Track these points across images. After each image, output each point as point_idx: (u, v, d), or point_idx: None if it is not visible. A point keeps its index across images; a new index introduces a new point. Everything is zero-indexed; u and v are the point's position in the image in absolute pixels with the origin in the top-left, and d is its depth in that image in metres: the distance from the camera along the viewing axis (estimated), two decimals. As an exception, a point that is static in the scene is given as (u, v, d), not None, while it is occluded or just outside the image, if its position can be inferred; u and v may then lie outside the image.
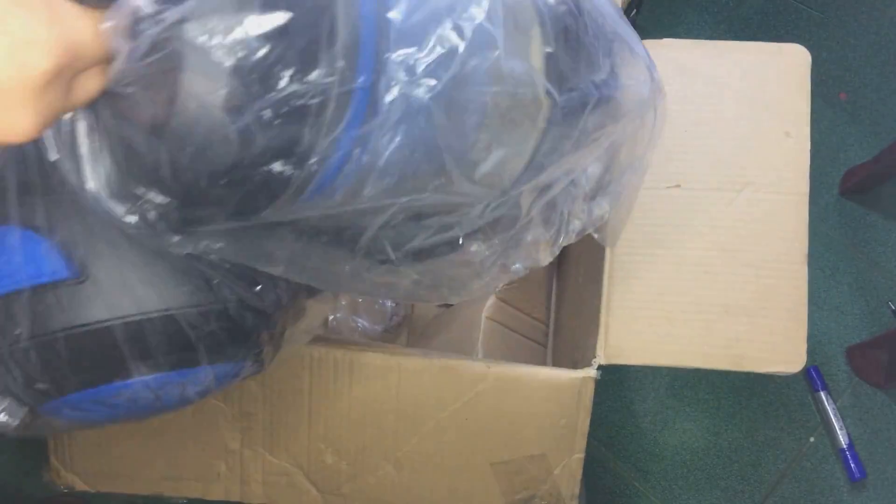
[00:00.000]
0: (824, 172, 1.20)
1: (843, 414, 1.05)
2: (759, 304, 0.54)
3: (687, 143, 0.56)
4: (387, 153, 0.30)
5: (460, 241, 0.39)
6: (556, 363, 0.76)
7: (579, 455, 0.56)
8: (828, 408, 1.05)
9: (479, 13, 0.30)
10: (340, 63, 0.27)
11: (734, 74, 0.57)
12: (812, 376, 1.07)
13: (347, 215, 0.33)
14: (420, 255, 0.38)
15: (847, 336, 1.11)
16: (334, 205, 0.31)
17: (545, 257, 0.44)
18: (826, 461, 1.04)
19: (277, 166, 0.28)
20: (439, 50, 0.29)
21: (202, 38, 0.25)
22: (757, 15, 1.28)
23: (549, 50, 0.34)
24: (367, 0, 0.28)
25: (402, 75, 0.29)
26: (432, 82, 0.29)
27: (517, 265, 0.43)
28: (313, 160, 0.28)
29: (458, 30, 0.30)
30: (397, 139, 0.30)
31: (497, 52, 0.31)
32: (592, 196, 0.44)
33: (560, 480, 0.56)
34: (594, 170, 0.43)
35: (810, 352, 1.08)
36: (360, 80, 0.28)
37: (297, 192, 0.29)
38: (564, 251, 0.87)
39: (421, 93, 0.29)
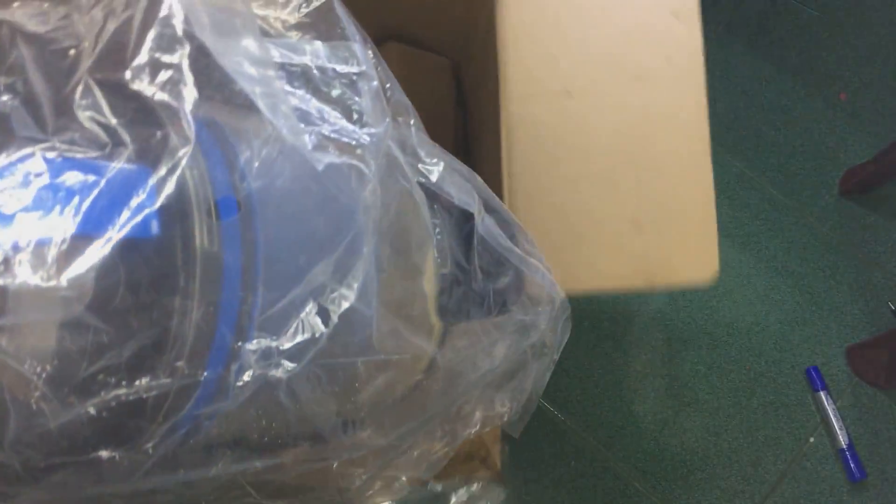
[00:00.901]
0: (824, 172, 1.20)
1: (843, 414, 1.05)
2: (666, 214, 0.49)
3: (570, 43, 0.50)
4: (237, 424, 0.28)
5: (331, 470, 0.36)
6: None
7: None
8: (828, 408, 1.05)
9: (349, 295, 0.28)
10: (181, 363, 0.25)
11: None
12: (812, 376, 1.07)
13: (201, 481, 0.31)
14: (284, 491, 0.35)
15: (847, 336, 1.11)
16: (180, 476, 0.29)
17: (436, 464, 0.41)
18: (826, 461, 1.04)
19: (104, 453, 0.26)
20: (300, 337, 0.27)
21: (11, 349, 0.23)
22: (757, 15, 1.28)
23: (444, 271, 0.33)
24: (229, 292, 0.26)
25: (257, 362, 0.27)
26: (290, 365, 0.27)
27: (402, 480, 0.39)
28: (148, 445, 0.26)
29: (324, 314, 0.28)
30: (251, 412, 0.28)
31: (369, 331, 0.29)
32: (497, 389, 0.42)
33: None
34: (497, 359, 0.41)
35: (810, 352, 1.09)
36: (206, 374, 0.26)
37: (130, 472, 0.27)
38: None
39: (278, 373, 0.27)
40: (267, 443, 0.31)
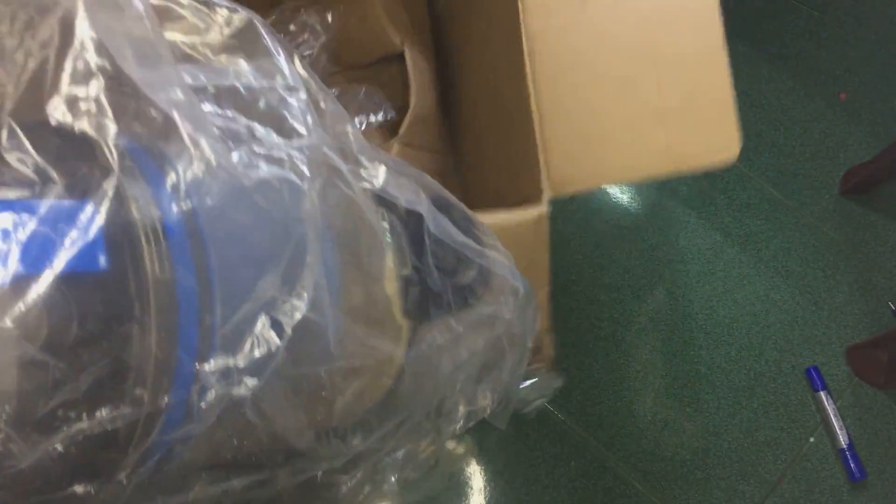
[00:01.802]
0: (824, 172, 1.20)
1: (843, 414, 1.05)
2: (687, 104, 0.53)
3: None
4: (209, 447, 0.28)
5: (316, 482, 0.36)
6: (473, 197, 0.72)
7: (545, 289, 0.53)
8: (828, 408, 1.05)
9: (300, 305, 0.28)
10: (142, 392, 0.25)
11: None
12: (812, 376, 1.07)
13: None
14: None
15: (847, 336, 1.11)
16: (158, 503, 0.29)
17: (424, 462, 0.41)
18: (826, 461, 1.04)
19: (79, 488, 0.25)
20: (257, 352, 0.27)
21: None
22: (757, 15, 1.29)
23: (405, 272, 0.33)
24: (186, 316, 0.26)
25: (218, 382, 0.27)
26: (252, 381, 0.27)
27: (392, 481, 0.40)
28: (122, 475, 0.26)
29: (277, 327, 0.28)
30: (221, 433, 0.28)
31: (325, 339, 0.29)
32: (477, 382, 0.43)
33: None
34: (477, 352, 0.42)
35: (810, 352, 1.08)
36: (170, 400, 0.26)
37: (112, 501, 0.27)
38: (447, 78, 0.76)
39: (241, 391, 0.27)
40: (242, 462, 0.31)
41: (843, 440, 1.03)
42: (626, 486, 1.00)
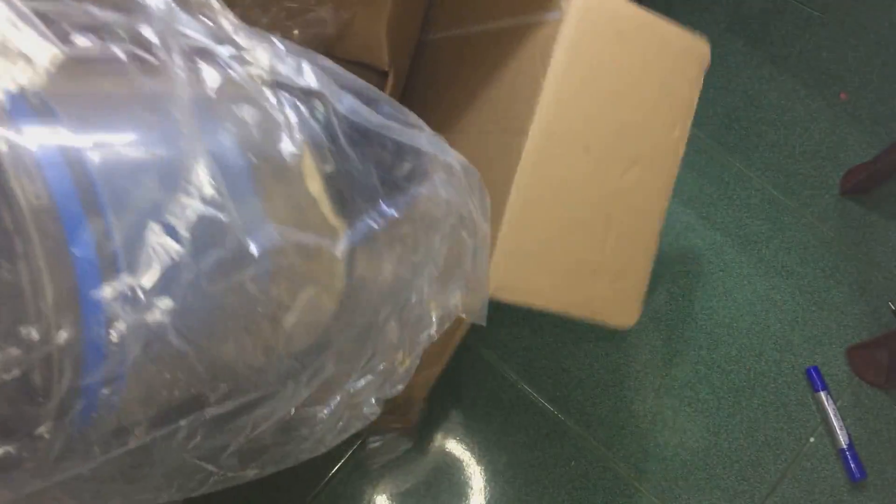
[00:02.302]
0: (824, 172, 1.20)
1: (843, 414, 1.05)
2: (619, 269, 0.60)
3: (602, 108, 0.58)
4: (142, 386, 0.25)
5: (290, 419, 0.32)
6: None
7: (438, 369, 0.59)
8: (828, 408, 1.05)
9: (191, 203, 0.24)
10: (38, 331, 0.22)
11: (648, 51, 0.60)
12: (812, 376, 1.07)
13: (128, 455, 0.27)
14: (246, 456, 0.32)
15: (847, 336, 1.11)
16: (98, 456, 0.26)
17: (405, 374, 0.38)
18: (826, 461, 1.04)
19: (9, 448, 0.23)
20: (157, 266, 0.23)
21: None
22: (757, 15, 1.28)
23: (329, 169, 0.30)
24: (77, 242, 0.23)
25: (125, 309, 0.23)
26: (166, 303, 0.24)
27: (371, 402, 0.36)
28: (41, 429, 0.23)
29: (172, 232, 0.24)
30: (148, 370, 0.25)
31: (237, 240, 0.25)
32: (444, 282, 0.40)
33: (416, 383, 0.56)
34: (433, 248, 0.39)
35: (810, 352, 1.08)
36: (71, 335, 0.23)
37: (37, 464, 0.24)
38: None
39: (157, 316, 0.24)
40: (188, 401, 0.27)
41: (843, 440, 1.03)
42: (626, 486, 1.00)
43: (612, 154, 0.59)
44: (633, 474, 1.00)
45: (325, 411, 0.35)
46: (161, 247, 0.24)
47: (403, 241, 0.35)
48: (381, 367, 0.37)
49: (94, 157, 0.24)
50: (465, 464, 0.96)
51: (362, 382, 0.36)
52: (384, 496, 0.92)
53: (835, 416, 1.04)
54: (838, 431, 1.03)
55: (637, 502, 1.00)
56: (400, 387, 0.38)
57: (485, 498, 0.95)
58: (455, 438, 0.96)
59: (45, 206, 0.23)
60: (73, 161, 0.24)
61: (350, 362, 0.35)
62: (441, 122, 0.71)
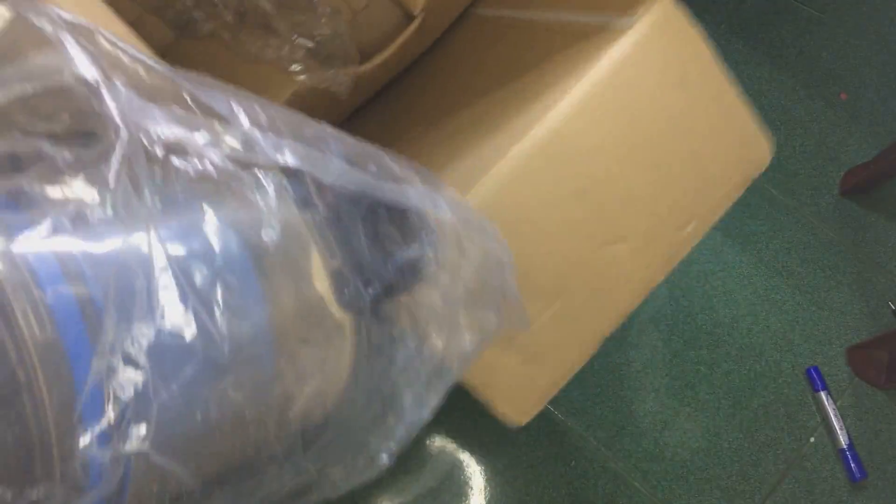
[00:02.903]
0: (824, 172, 1.20)
1: (843, 414, 1.05)
2: (541, 352, 0.49)
3: (619, 148, 0.47)
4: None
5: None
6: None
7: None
8: (828, 408, 1.05)
9: (145, 331, 0.23)
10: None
11: (703, 118, 0.49)
12: (812, 376, 1.07)
13: None
14: None
15: (847, 336, 1.11)
16: None
17: (429, 410, 0.35)
18: (826, 461, 1.04)
19: None
20: (123, 398, 0.22)
21: None
22: (757, 15, 1.28)
23: (335, 264, 0.29)
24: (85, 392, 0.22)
25: (101, 449, 0.22)
26: (140, 430, 0.23)
27: (384, 457, 0.34)
28: None
29: (131, 361, 0.23)
30: (143, 492, 0.24)
31: (218, 348, 0.24)
32: (471, 306, 0.37)
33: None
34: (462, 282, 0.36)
35: (810, 352, 1.08)
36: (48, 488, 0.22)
37: None
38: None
39: (135, 446, 0.23)
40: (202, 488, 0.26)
41: (843, 440, 1.03)
42: (626, 486, 1.00)
43: (605, 215, 0.46)
44: (633, 474, 1.00)
45: (338, 468, 0.34)
46: (121, 380, 0.22)
47: (410, 307, 0.33)
48: (395, 424, 0.35)
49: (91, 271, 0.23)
50: (465, 464, 0.96)
51: (374, 441, 0.35)
52: (384, 496, 0.92)
53: (835, 416, 1.04)
54: (838, 431, 1.03)
55: (637, 502, 1.00)
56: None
57: (485, 498, 0.95)
58: (455, 438, 0.96)
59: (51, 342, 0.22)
60: (72, 276, 0.23)
61: (364, 427, 0.34)
62: (453, 101, 0.63)
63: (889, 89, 1.24)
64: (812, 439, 1.05)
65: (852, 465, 1.02)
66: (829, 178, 1.19)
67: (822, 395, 1.05)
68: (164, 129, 0.25)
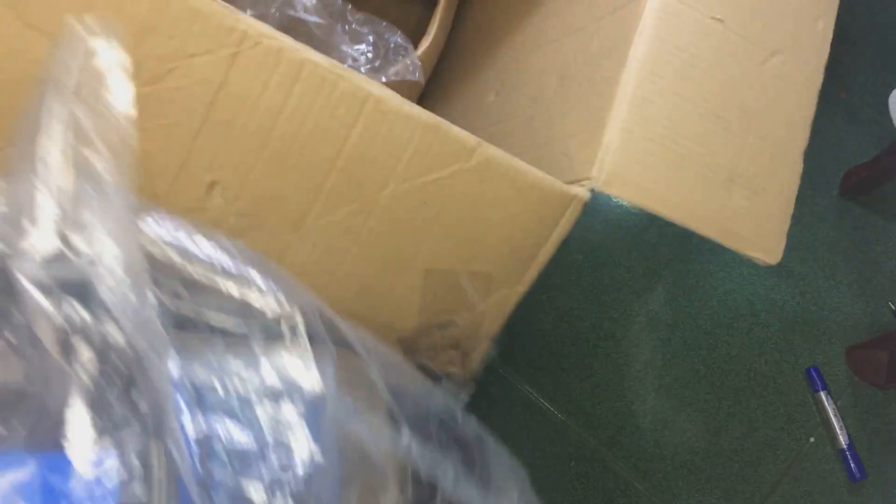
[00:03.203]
0: (824, 172, 1.19)
1: (843, 414, 1.05)
2: (760, 181, 0.49)
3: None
4: None
5: None
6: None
7: (522, 289, 0.50)
8: (828, 408, 1.05)
9: None
10: None
11: None
12: (812, 376, 1.07)
13: None
14: None
15: (847, 336, 1.11)
16: None
17: None
18: (826, 461, 1.04)
19: None
20: None
21: None
22: (757, 15, 1.29)
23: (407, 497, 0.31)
24: None
25: None
26: None
27: None
28: None
29: None
30: None
31: None
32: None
33: (488, 312, 0.50)
34: None
35: (810, 352, 1.08)
36: None
37: None
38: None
39: None
40: None
41: (843, 440, 1.03)
42: (626, 486, 1.00)
43: (750, 34, 0.49)
44: (633, 474, 1.00)
45: None
46: None
47: None
48: None
49: None
50: (465, 464, 0.96)
51: None
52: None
53: (835, 416, 1.04)
54: (838, 431, 1.03)
55: (637, 502, 1.00)
56: None
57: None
58: (455, 438, 0.96)
59: None
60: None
61: None
62: (522, 45, 0.64)
63: (889, 89, 1.24)
64: (812, 439, 1.05)
65: (852, 465, 1.02)
66: (829, 178, 1.19)
67: (822, 395, 1.05)
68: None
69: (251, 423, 0.27)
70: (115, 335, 0.24)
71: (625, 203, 0.47)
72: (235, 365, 0.28)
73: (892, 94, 1.07)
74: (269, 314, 0.30)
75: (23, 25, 0.36)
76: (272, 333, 0.30)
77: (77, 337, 0.24)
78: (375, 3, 0.74)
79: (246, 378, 0.28)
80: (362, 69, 0.64)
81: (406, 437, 0.33)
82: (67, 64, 0.27)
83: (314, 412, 0.29)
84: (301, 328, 0.30)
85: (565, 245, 1.17)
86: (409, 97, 0.69)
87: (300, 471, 0.27)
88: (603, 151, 0.45)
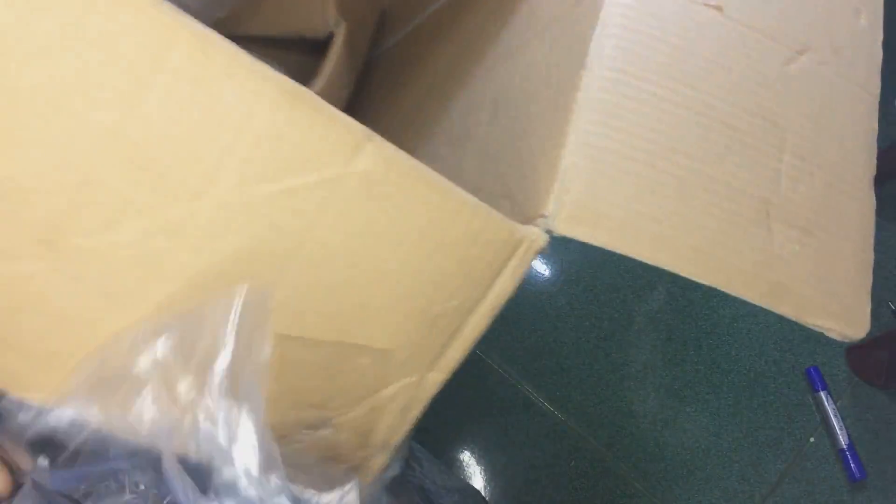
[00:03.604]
0: (824, 172, 1.20)
1: (843, 414, 1.05)
2: (812, 217, 0.35)
3: None
4: None
5: None
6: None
7: (439, 377, 0.33)
8: (828, 408, 1.05)
9: None
10: None
11: None
12: (812, 376, 1.07)
13: None
14: None
15: (847, 336, 1.11)
16: None
17: None
18: (826, 461, 1.04)
19: None
20: None
21: None
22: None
23: None
24: None
25: None
26: None
27: None
28: None
29: None
30: None
31: None
32: None
33: (386, 410, 0.32)
34: None
35: (810, 352, 1.09)
36: None
37: None
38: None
39: None
40: None
41: (843, 440, 1.03)
42: (626, 486, 1.00)
43: (763, 27, 0.36)
44: (633, 474, 1.00)
45: None
46: None
47: None
48: None
49: None
50: (465, 464, 0.96)
51: None
52: (384, 498, 0.92)
53: (835, 416, 1.04)
54: (838, 431, 1.03)
55: (637, 502, 1.00)
56: None
57: (485, 498, 0.95)
58: (455, 438, 0.96)
59: None
60: None
61: None
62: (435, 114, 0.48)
63: (889, 89, 1.24)
64: (812, 439, 1.05)
65: (852, 465, 1.02)
66: (829, 178, 1.19)
67: (822, 395, 1.05)
68: None
69: None
70: None
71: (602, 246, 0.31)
72: None
73: None
74: None
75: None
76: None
77: None
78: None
79: None
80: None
81: None
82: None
83: None
84: None
85: (565, 245, 1.17)
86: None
87: None
88: (562, 176, 0.30)
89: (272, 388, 0.28)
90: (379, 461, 0.34)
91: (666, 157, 0.32)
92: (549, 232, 0.31)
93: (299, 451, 0.31)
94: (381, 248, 0.29)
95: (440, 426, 0.96)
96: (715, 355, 1.08)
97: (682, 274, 0.33)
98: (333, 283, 0.29)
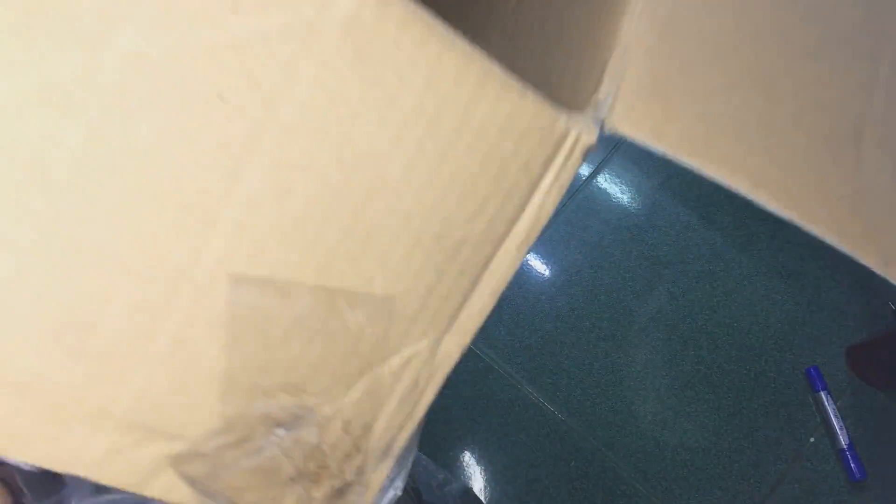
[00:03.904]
0: (824, 172, 1.20)
1: (843, 414, 1.05)
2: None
3: None
4: None
5: None
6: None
7: (462, 339, 0.23)
8: (828, 408, 1.05)
9: None
10: None
11: None
12: (812, 376, 1.07)
13: None
14: None
15: (847, 336, 1.11)
16: None
17: None
18: (826, 461, 1.04)
19: None
20: None
21: None
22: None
23: None
24: None
25: None
26: None
27: None
28: None
29: None
30: None
31: None
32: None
33: (390, 392, 0.23)
34: None
35: (810, 352, 1.08)
36: None
37: None
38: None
39: None
40: None
41: (843, 440, 1.03)
42: (626, 486, 1.00)
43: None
44: (633, 474, 1.00)
45: None
46: None
47: None
48: None
49: None
50: (465, 464, 0.96)
51: None
52: (384, 496, 0.92)
53: (835, 416, 1.04)
54: (838, 431, 1.03)
55: (637, 502, 1.00)
56: None
57: (485, 498, 0.95)
58: (455, 439, 0.96)
59: None
60: None
61: None
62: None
63: (889, 89, 1.25)
64: (812, 439, 1.05)
65: (852, 465, 1.02)
66: (829, 178, 1.19)
67: (822, 395, 1.05)
68: None
69: None
70: None
71: (663, 153, 0.23)
72: None
73: None
74: None
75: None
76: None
77: None
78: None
79: None
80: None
81: None
82: None
83: None
84: None
85: (565, 245, 1.17)
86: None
87: None
88: (615, 63, 0.23)
89: (223, 361, 0.20)
90: (379, 476, 0.24)
91: (751, 43, 0.24)
92: (600, 125, 0.22)
93: (265, 466, 0.21)
94: (376, 139, 0.19)
95: (440, 426, 0.96)
96: (715, 355, 1.08)
97: (765, 204, 0.25)
98: (310, 192, 0.19)
